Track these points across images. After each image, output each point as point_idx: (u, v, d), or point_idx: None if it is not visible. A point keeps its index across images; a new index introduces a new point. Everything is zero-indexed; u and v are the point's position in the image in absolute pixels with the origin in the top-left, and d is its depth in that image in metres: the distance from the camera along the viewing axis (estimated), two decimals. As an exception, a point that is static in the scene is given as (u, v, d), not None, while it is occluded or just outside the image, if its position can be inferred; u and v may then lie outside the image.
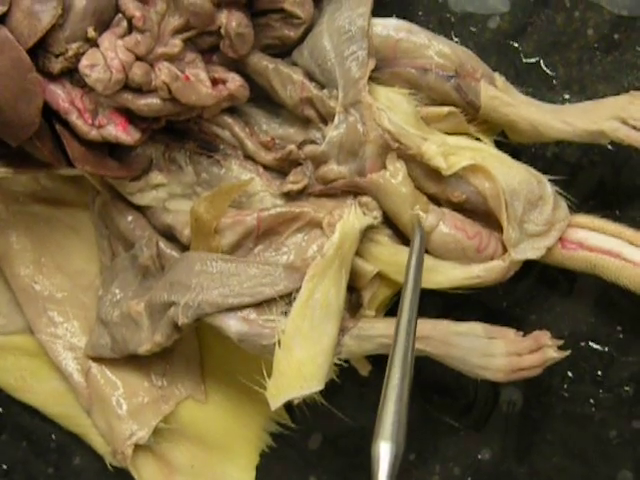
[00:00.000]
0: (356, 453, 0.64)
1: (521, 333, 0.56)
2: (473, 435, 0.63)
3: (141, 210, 0.60)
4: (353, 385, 0.63)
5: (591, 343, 0.62)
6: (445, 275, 0.56)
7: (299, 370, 0.54)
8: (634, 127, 0.55)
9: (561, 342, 0.56)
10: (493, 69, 0.59)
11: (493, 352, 0.55)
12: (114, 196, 0.60)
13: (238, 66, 0.58)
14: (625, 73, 0.61)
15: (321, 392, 0.55)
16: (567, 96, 0.61)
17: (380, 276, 0.57)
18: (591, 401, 0.62)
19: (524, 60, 0.62)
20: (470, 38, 0.62)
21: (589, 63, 0.61)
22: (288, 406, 0.57)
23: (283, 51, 0.59)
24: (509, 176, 0.55)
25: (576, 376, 0.62)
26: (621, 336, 0.62)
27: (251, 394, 0.57)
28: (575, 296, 0.62)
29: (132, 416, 0.60)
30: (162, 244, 0.59)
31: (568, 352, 0.55)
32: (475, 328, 0.56)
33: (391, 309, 0.59)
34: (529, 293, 0.62)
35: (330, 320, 0.54)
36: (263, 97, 0.59)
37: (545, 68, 0.62)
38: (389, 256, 0.57)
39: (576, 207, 0.57)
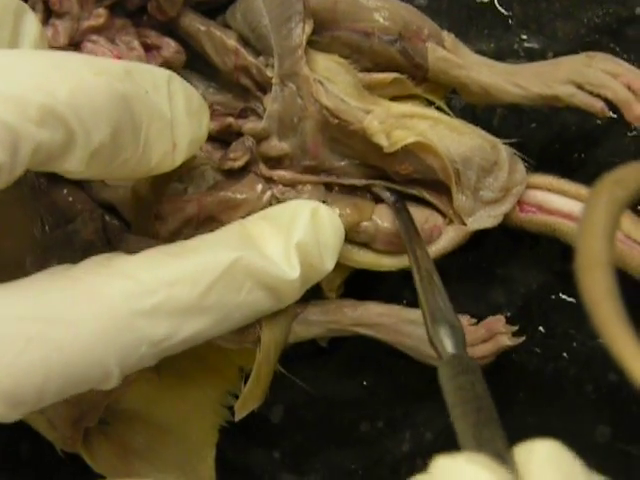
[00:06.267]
0: (320, 424, 0.62)
1: (474, 320, 0.55)
2: (442, 399, 0.60)
3: (79, 184, 0.56)
4: (312, 355, 0.61)
5: (562, 295, 0.59)
6: (398, 261, 0.55)
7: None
8: (591, 92, 0.51)
9: (515, 328, 0.55)
10: (445, 11, 0.56)
11: None
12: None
13: (170, 26, 0.54)
14: (584, 9, 0.58)
15: (280, 362, 0.53)
16: (524, 36, 0.58)
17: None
18: (564, 355, 0.59)
19: (477, 0, 0.59)
20: (420, -20, 0.59)
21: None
22: (245, 377, 0.55)
23: (217, 7, 0.55)
24: (460, 144, 0.52)
25: (548, 331, 0.59)
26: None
27: (204, 367, 0.55)
28: (542, 247, 0.59)
29: (80, 398, 0.57)
30: (107, 217, 0.56)
31: (523, 338, 0.55)
32: None
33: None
34: (494, 246, 0.59)
35: None
36: (199, 59, 0.55)
37: (500, 7, 0.59)
38: None
39: (534, 168, 0.54)
